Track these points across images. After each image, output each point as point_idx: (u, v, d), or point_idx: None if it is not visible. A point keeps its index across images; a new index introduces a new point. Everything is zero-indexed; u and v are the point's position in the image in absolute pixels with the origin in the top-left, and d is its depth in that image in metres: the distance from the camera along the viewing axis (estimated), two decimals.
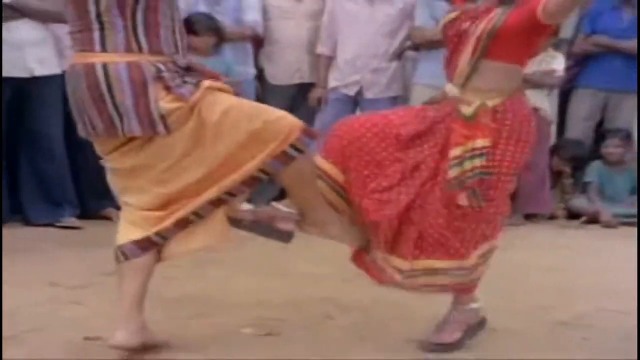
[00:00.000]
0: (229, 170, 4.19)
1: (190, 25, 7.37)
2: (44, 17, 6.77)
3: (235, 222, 4.49)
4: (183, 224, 4.24)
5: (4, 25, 6.69)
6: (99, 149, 4.29)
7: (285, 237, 4.62)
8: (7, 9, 6.67)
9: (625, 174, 8.22)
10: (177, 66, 4.18)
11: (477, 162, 4.29)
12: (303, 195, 4.48)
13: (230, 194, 4.25)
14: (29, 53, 6.82)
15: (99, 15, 4.05)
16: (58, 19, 6.44)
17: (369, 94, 8.08)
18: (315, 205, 4.48)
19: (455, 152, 4.35)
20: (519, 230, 7.51)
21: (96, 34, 4.05)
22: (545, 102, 7.92)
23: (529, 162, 7.50)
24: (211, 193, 4.21)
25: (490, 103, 4.36)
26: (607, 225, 7.84)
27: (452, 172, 4.32)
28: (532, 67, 7.64)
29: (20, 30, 6.74)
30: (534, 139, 4.53)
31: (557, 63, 7.79)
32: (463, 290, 4.56)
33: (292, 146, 4.18)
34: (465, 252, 4.42)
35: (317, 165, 4.49)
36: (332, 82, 8.12)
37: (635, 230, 7.68)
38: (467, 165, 4.31)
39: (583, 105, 8.33)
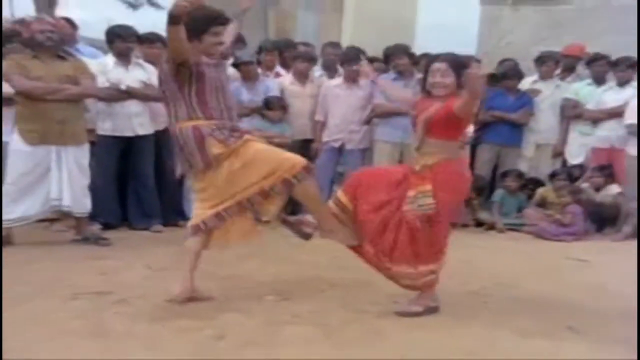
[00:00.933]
0: (251, 187, 4.49)
1: (268, 104, 7.70)
2: (144, 98, 6.74)
3: (281, 220, 4.82)
4: (220, 217, 4.53)
5: (121, 103, 6.71)
6: (188, 175, 4.81)
7: (306, 237, 4.80)
8: (123, 92, 6.66)
9: (517, 198, 8.11)
10: (224, 126, 4.49)
11: (427, 200, 4.39)
12: (311, 207, 4.69)
13: (249, 201, 4.53)
14: (134, 120, 6.79)
15: (172, 99, 4.49)
16: (153, 99, 6.67)
17: (348, 147, 8.02)
18: (325, 219, 4.66)
19: (410, 193, 4.45)
20: None
21: (172, 111, 4.50)
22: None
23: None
24: (238, 198, 4.51)
25: (430, 162, 4.45)
26: (500, 231, 7.79)
27: (407, 207, 4.44)
28: None
29: (130, 106, 6.73)
30: (465, 189, 4.66)
31: (469, 128, 7.78)
32: (418, 289, 4.63)
33: (294, 176, 4.48)
34: (417, 264, 4.51)
35: (337, 196, 4.71)
36: (324, 138, 8.05)
37: (517, 234, 7.79)
38: (420, 202, 4.40)
39: (484, 154, 8.27)
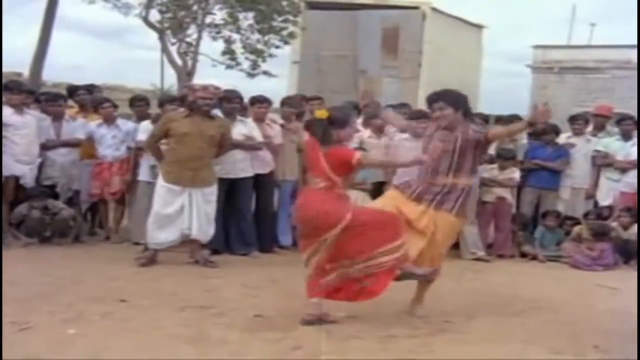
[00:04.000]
0: None
1: None
2: (245, 148, 6.67)
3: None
4: None
5: (229, 153, 6.58)
6: None
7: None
8: (232, 145, 6.50)
9: (555, 234, 7.77)
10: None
11: None
12: None
13: None
14: (237, 165, 6.68)
15: None
16: (252, 148, 6.67)
17: None
18: None
19: None
20: (494, 263, 7.30)
21: None
22: (508, 194, 7.73)
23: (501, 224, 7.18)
24: None
25: None
26: (541, 261, 7.47)
27: None
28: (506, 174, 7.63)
29: (234, 154, 6.61)
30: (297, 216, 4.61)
31: (515, 174, 7.68)
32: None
33: None
34: None
35: None
36: (394, 181, 7.55)
37: (555, 264, 7.46)
38: None
39: (527, 196, 8.00)
